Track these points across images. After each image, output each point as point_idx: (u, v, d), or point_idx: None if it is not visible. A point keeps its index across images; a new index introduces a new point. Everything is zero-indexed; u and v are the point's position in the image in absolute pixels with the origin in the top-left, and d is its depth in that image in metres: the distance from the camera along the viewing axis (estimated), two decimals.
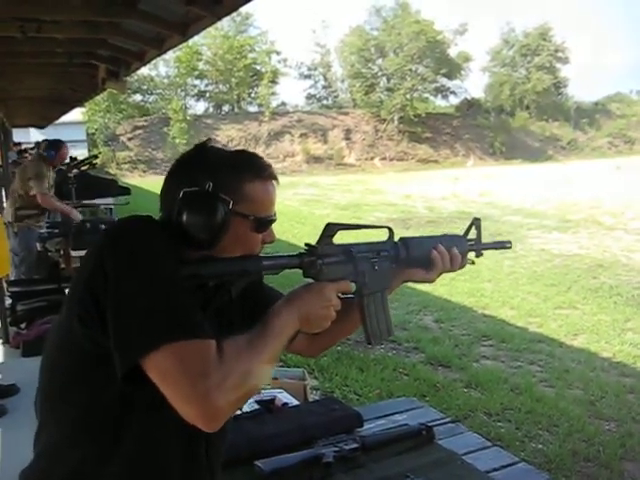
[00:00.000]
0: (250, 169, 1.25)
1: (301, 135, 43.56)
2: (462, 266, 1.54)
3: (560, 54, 53.59)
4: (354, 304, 1.36)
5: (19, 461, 1.26)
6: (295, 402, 2.38)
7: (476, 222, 1.58)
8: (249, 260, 1.22)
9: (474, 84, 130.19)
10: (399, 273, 1.47)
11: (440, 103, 52.56)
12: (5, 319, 4.58)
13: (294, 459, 1.69)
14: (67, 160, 8.52)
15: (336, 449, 1.75)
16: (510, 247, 1.68)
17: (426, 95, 50.40)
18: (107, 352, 1.03)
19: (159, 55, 5.63)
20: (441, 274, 1.51)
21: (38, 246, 5.95)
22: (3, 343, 4.54)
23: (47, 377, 1.19)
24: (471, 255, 1.58)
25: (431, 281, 1.51)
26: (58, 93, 9.08)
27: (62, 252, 6.20)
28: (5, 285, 4.89)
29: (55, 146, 5.72)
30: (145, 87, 45.10)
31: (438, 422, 2.08)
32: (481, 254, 1.60)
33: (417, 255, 1.46)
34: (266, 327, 1.13)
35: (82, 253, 5.40)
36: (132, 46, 5.53)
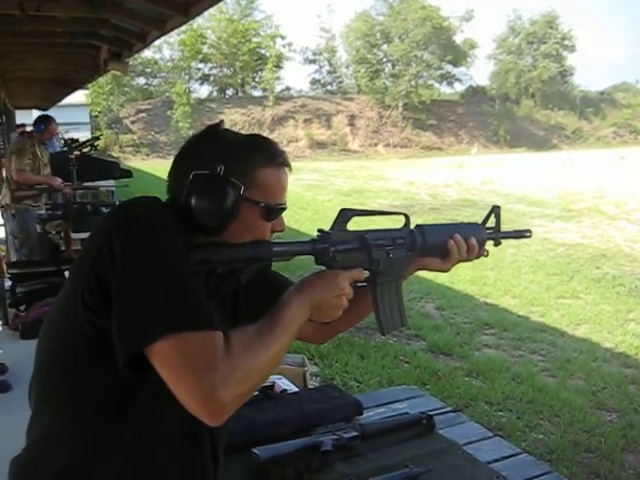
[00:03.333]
0: (263, 154, 1.21)
1: (305, 120, 43.39)
2: (479, 256, 1.48)
3: (567, 42, 53.18)
4: (366, 292, 1.31)
5: (12, 446, 1.23)
6: (294, 389, 2.35)
7: (495, 210, 1.51)
8: (260, 246, 1.17)
9: (479, 71, 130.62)
10: (413, 261, 1.41)
11: (445, 90, 52.34)
12: (4, 301, 4.56)
13: (292, 447, 1.66)
14: (60, 137, 8.47)
15: (335, 437, 1.72)
16: (530, 236, 1.61)
17: (431, 82, 50.15)
18: (108, 337, 0.99)
19: (161, 36, 5.57)
20: (457, 264, 1.45)
21: (38, 228, 5.93)
22: (2, 325, 4.53)
23: (45, 360, 1.14)
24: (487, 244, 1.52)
25: (446, 271, 1.45)
26: (60, 74, 9.04)
27: (63, 234, 6.18)
28: (5, 267, 4.87)
29: (44, 120, 5.68)
30: (149, 70, 44.91)
31: (439, 411, 2.05)
32: (499, 243, 1.54)
33: (433, 243, 1.40)
34: (276, 317, 1.08)
35: (83, 235, 5.37)
36: (134, 26, 5.47)
